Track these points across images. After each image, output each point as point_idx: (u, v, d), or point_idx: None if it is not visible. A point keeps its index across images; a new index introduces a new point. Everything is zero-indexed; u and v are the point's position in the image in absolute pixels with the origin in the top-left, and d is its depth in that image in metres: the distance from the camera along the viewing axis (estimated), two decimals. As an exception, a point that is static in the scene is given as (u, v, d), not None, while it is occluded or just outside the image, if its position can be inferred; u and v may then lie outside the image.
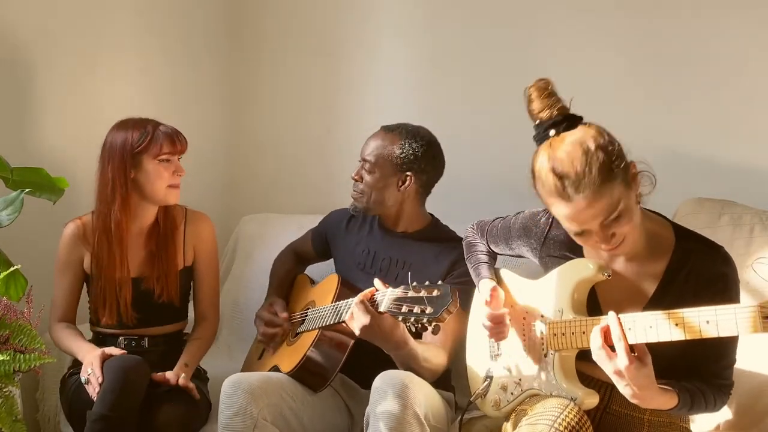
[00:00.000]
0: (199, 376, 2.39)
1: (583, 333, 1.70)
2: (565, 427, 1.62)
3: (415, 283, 1.84)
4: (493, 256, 2.09)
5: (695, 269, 1.72)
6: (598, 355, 1.61)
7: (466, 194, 2.71)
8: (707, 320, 1.49)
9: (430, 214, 2.41)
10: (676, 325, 1.53)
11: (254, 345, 2.54)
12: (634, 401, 1.63)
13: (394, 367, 2.07)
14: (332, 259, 2.54)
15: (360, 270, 2.35)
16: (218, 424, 2.04)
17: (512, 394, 1.87)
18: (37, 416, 2.56)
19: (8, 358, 1.71)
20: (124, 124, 2.32)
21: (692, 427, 1.91)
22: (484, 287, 1.94)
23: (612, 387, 1.66)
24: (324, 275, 2.46)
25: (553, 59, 2.67)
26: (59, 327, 2.37)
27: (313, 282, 2.53)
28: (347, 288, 2.26)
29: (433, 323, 1.81)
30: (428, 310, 1.79)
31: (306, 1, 3.23)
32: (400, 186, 2.30)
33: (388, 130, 2.33)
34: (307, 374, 2.19)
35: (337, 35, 3.15)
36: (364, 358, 2.13)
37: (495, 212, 2.12)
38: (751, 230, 2.22)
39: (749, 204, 2.31)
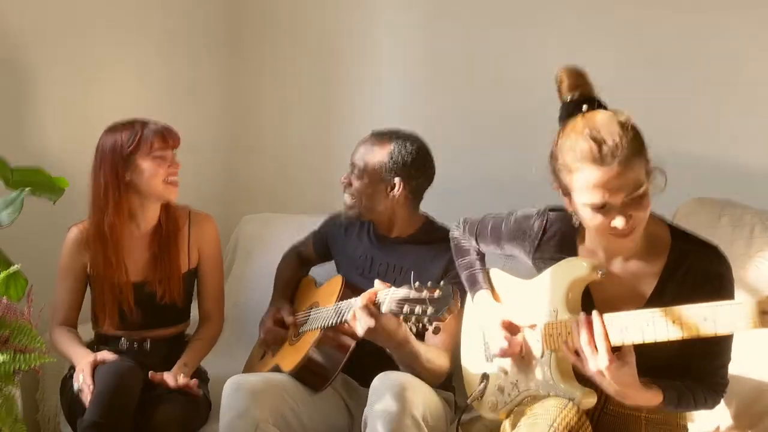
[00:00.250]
0: (200, 376, 2.38)
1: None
2: (565, 427, 1.62)
3: (417, 284, 1.85)
4: (483, 258, 2.09)
5: (692, 269, 1.72)
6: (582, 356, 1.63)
7: (463, 196, 2.70)
8: (704, 317, 1.48)
9: (425, 215, 2.39)
10: (673, 322, 1.52)
11: (256, 346, 2.54)
12: (618, 398, 1.65)
13: (395, 368, 2.07)
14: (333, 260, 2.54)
15: (359, 275, 2.34)
16: (219, 427, 2.03)
17: (509, 395, 1.87)
18: (37, 416, 2.56)
19: (8, 358, 1.70)
20: (113, 128, 2.32)
21: (692, 427, 1.91)
22: (492, 320, 1.92)
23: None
24: (329, 277, 2.46)
25: (553, 60, 2.65)
26: (60, 331, 2.37)
27: (317, 284, 2.53)
28: (351, 290, 2.25)
29: (434, 323, 1.81)
30: (430, 310, 1.79)
31: (306, 1, 3.23)
32: (389, 192, 2.28)
33: (378, 135, 2.32)
34: (308, 374, 2.19)
35: (336, 35, 3.15)
36: (366, 359, 2.13)
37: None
38: (751, 231, 2.21)
39: (749, 204, 2.31)
